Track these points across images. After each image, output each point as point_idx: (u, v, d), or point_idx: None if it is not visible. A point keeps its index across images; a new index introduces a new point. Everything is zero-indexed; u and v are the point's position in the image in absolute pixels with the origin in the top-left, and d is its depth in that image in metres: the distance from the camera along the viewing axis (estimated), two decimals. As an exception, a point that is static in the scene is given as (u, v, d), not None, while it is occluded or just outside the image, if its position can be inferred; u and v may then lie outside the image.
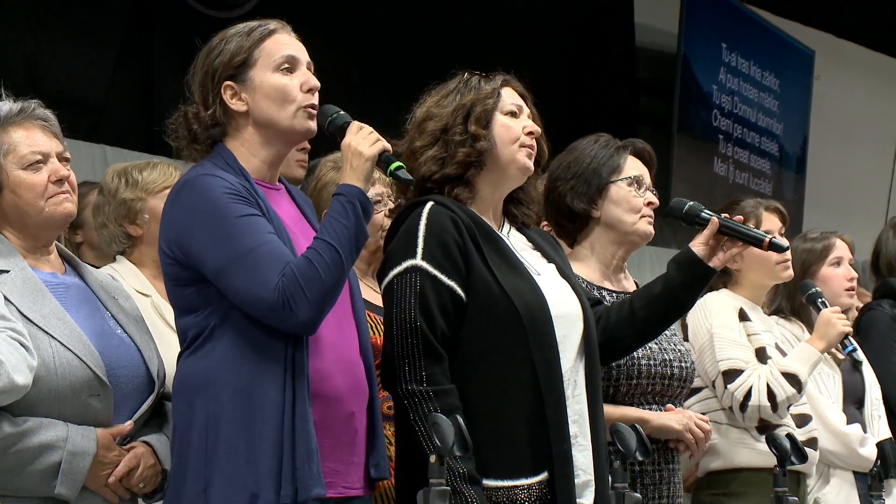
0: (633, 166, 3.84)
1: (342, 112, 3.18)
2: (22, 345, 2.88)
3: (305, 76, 3.16)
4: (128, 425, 3.09)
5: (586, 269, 3.80)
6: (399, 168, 3.12)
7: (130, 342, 3.18)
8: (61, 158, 3.20)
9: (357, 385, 3.14)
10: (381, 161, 3.10)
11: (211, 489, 2.96)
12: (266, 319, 2.97)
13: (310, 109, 3.15)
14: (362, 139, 3.09)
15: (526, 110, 3.43)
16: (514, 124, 3.38)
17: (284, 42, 3.17)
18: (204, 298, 3.03)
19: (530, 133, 3.38)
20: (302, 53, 3.19)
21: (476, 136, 3.32)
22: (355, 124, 3.14)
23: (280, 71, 3.14)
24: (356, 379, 3.14)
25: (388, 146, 3.13)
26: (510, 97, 3.42)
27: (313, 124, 3.16)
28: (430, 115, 3.36)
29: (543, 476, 3.19)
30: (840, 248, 4.93)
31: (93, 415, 3.04)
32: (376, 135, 3.12)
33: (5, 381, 2.81)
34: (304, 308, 2.94)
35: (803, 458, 3.48)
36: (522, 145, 3.37)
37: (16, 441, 2.94)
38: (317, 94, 3.17)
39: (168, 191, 3.79)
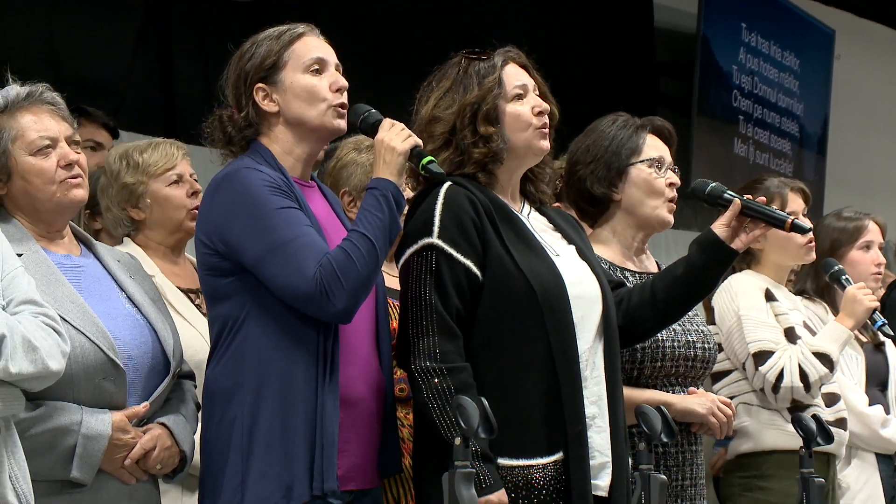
0: (653, 146, 3.79)
1: (373, 110, 3.26)
2: (55, 330, 2.88)
3: (334, 77, 3.25)
4: (143, 407, 3.09)
5: (608, 251, 3.77)
6: (431, 162, 3.18)
7: (145, 323, 3.17)
8: (71, 142, 3.18)
9: (376, 383, 3.21)
10: (413, 156, 3.17)
11: (247, 483, 3.04)
12: (303, 308, 3.05)
13: (339, 108, 3.22)
14: (395, 135, 3.17)
15: (531, 84, 3.39)
16: (522, 109, 3.35)
17: (313, 45, 3.26)
18: (240, 288, 3.11)
19: (540, 112, 3.36)
20: (330, 55, 3.27)
21: (488, 137, 3.31)
22: (387, 121, 3.21)
23: (309, 72, 3.23)
24: (376, 377, 3.21)
25: (420, 142, 3.19)
26: (513, 77, 3.37)
27: (343, 122, 3.24)
28: (435, 118, 3.34)
29: (558, 456, 3.18)
30: (872, 232, 4.85)
31: (107, 397, 3.04)
32: (408, 131, 3.19)
33: (40, 366, 2.81)
34: (341, 297, 3.01)
35: (829, 438, 3.46)
36: (535, 128, 3.35)
37: (30, 426, 2.93)
38: (345, 94, 3.24)
39: (169, 173, 3.85)
